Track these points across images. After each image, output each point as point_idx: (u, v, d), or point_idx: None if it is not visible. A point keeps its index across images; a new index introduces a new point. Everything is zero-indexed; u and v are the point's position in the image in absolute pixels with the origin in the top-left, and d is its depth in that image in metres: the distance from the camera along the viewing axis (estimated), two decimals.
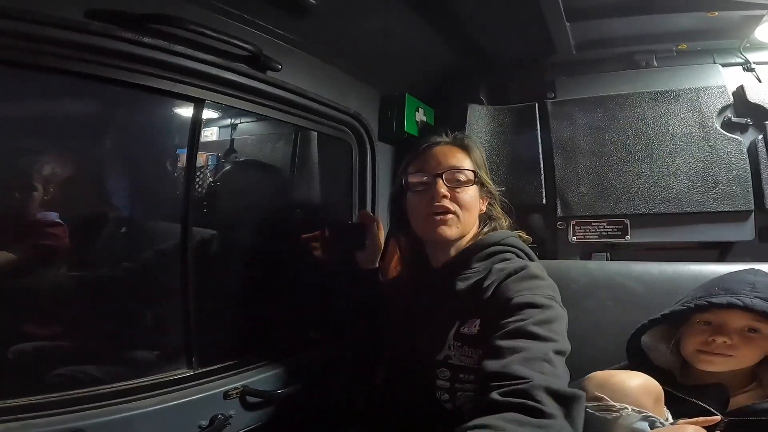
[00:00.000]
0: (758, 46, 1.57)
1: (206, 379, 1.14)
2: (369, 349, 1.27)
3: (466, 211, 1.09)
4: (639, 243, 1.59)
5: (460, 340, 1.01)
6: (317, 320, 1.46)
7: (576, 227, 1.65)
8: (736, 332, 0.91)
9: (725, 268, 1.16)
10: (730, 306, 0.90)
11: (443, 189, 1.07)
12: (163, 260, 1.17)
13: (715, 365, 0.93)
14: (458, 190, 1.09)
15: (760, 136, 1.48)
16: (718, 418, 0.84)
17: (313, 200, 1.63)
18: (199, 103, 1.14)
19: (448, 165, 1.10)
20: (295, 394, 1.28)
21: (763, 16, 1.39)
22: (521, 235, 1.18)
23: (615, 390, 0.81)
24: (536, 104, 1.73)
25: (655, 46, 1.65)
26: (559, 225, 1.67)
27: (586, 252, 1.65)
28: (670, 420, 0.83)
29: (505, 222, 1.19)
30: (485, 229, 1.15)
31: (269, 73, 1.21)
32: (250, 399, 1.19)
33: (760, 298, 0.89)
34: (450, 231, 1.08)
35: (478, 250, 1.09)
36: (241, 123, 1.46)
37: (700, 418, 0.84)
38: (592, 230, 1.63)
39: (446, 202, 1.07)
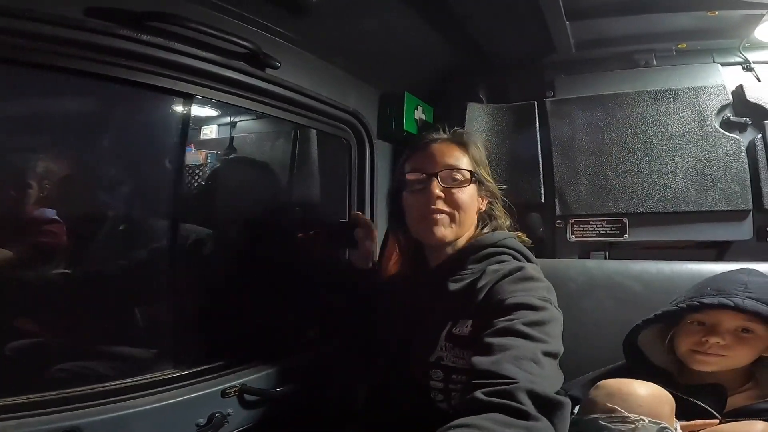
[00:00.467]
0: (758, 46, 1.57)
1: (204, 378, 1.14)
2: (365, 349, 1.26)
3: (462, 212, 1.07)
4: (637, 242, 1.59)
5: (452, 341, 0.99)
6: (314, 319, 1.45)
7: (575, 226, 1.65)
8: (728, 333, 0.91)
9: (723, 268, 1.16)
10: (721, 306, 0.90)
11: (438, 190, 1.05)
12: (159, 258, 1.17)
13: (709, 365, 0.93)
14: (454, 190, 1.06)
15: (759, 136, 1.49)
16: (717, 421, 0.84)
17: (307, 199, 1.63)
18: (198, 101, 1.14)
19: (445, 164, 1.08)
20: (293, 392, 1.28)
21: (762, 15, 1.39)
22: (520, 236, 1.16)
23: (627, 400, 0.78)
24: (535, 103, 1.73)
25: (655, 46, 1.65)
26: (558, 224, 1.67)
27: (585, 251, 1.66)
28: (679, 430, 0.82)
29: (505, 222, 1.17)
30: (484, 230, 1.13)
31: (268, 71, 1.21)
32: (248, 397, 1.19)
33: (752, 299, 0.89)
34: (444, 232, 1.06)
35: (474, 250, 1.08)
36: (238, 120, 1.46)
37: (699, 421, 0.84)
38: (590, 229, 1.64)
39: (441, 204, 1.05)
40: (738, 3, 1.35)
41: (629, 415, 0.76)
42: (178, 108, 1.14)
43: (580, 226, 1.64)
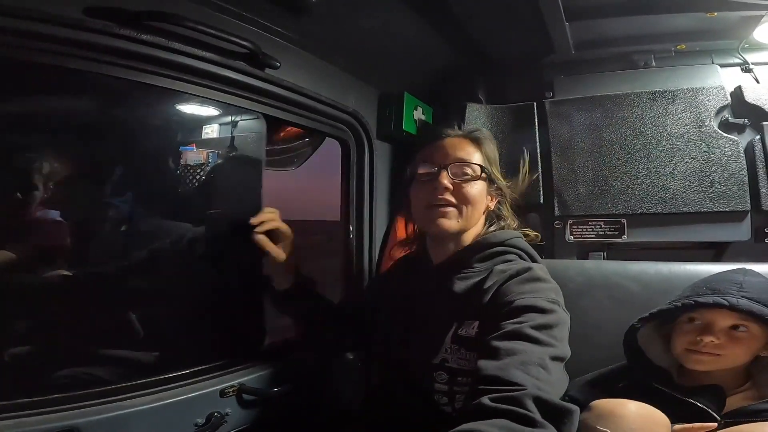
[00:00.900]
0: (757, 47, 1.56)
1: (202, 377, 1.15)
2: (364, 351, 1.26)
3: (470, 206, 1.06)
4: (636, 242, 1.59)
5: (457, 343, 0.99)
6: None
7: (573, 227, 1.65)
8: (722, 332, 0.92)
9: (721, 269, 1.16)
10: (716, 305, 0.90)
11: (446, 181, 1.05)
12: (158, 258, 1.17)
13: (704, 365, 0.93)
14: (463, 183, 1.06)
15: (758, 137, 1.49)
16: (714, 425, 0.85)
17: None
18: (197, 101, 1.14)
19: (456, 157, 1.08)
20: (292, 392, 1.28)
21: (761, 16, 1.39)
22: (528, 233, 1.17)
23: (619, 422, 0.78)
24: (534, 104, 1.73)
25: (654, 47, 1.65)
26: (557, 224, 1.67)
27: (583, 251, 1.66)
28: None
29: (513, 223, 1.17)
30: (491, 228, 1.13)
31: (268, 70, 1.21)
32: (247, 397, 1.19)
33: (747, 298, 0.90)
34: (449, 223, 1.05)
35: (480, 249, 1.08)
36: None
37: (696, 425, 0.84)
38: (589, 230, 1.64)
39: (448, 195, 1.05)
40: (737, 4, 1.35)
41: None
42: (177, 107, 1.14)
43: (579, 226, 1.64)
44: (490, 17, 1.44)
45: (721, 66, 1.60)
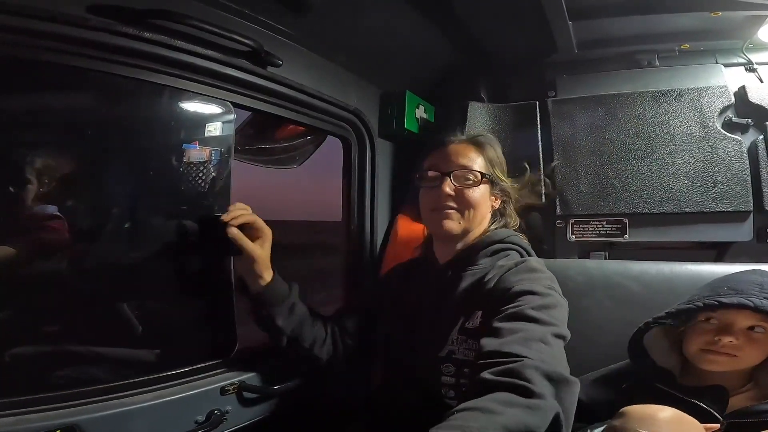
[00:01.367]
0: (761, 47, 1.56)
1: (203, 375, 1.15)
2: (364, 348, 1.27)
3: (472, 210, 1.11)
4: (637, 242, 1.59)
5: (464, 334, 1.02)
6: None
7: (575, 226, 1.65)
8: (741, 332, 0.91)
9: (723, 269, 1.16)
10: (740, 306, 0.89)
11: (448, 188, 1.10)
12: (159, 255, 1.17)
13: (720, 365, 0.92)
14: (465, 189, 1.11)
15: (761, 137, 1.48)
16: (717, 426, 0.84)
17: None
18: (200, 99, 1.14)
19: (458, 164, 1.12)
20: (292, 390, 1.28)
21: (766, 16, 1.39)
22: (522, 237, 1.20)
23: (658, 424, 0.74)
24: (537, 103, 1.72)
25: (658, 46, 1.64)
26: (558, 224, 1.66)
27: (585, 251, 1.65)
28: None
29: (514, 222, 1.22)
30: (492, 227, 1.17)
31: (270, 68, 1.21)
32: (247, 395, 1.19)
33: None
34: (453, 225, 1.10)
35: (483, 246, 1.12)
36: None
37: (706, 425, 0.84)
38: (590, 229, 1.63)
39: (451, 201, 1.10)
40: (741, 4, 1.34)
41: None
42: (179, 105, 1.14)
43: (581, 226, 1.64)
44: (493, 16, 1.43)
45: (725, 66, 1.59)
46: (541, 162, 1.67)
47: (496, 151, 1.20)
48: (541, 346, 0.81)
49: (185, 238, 1.16)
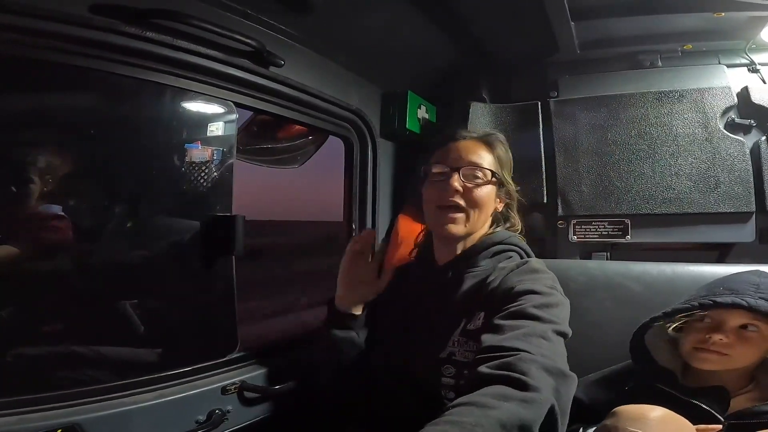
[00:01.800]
0: (764, 48, 1.56)
1: (204, 375, 1.15)
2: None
3: (477, 210, 1.09)
4: (639, 243, 1.59)
5: (466, 336, 1.01)
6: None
7: (576, 226, 1.65)
8: (732, 331, 0.91)
9: (725, 270, 1.16)
10: (735, 306, 0.89)
11: (457, 183, 1.06)
12: (160, 255, 1.17)
13: (711, 363, 0.92)
14: (473, 187, 1.08)
15: (764, 138, 1.48)
16: (719, 427, 0.84)
17: None
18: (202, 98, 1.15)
19: (468, 161, 1.09)
20: (293, 390, 1.28)
21: None
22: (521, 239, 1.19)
23: (650, 424, 0.75)
24: (539, 103, 1.72)
25: (660, 47, 1.64)
26: (560, 224, 1.66)
27: (586, 251, 1.65)
28: None
29: (518, 225, 1.20)
30: (498, 229, 1.16)
31: (272, 68, 1.21)
32: (248, 394, 1.19)
33: (765, 299, 0.89)
34: (457, 228, 1.08)
35: (484, 248, 1.11)
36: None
37: (702, 426, 0.84)
38: (592, 230, 1.63)
39: (458, 198, 1.07)
40: (744, 4, 1.34)
41: None
42: (181, 105, 1.15)
43: (582, 226, 1.64)
44: (495, 16, 1.43)
45: (728, 66, 1.59)
46: (543, 163, 1.67)
47: (506, 152, 1.17)
48: (541, 341, 0.81)
49: (187, 238, 1.16)
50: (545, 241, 1.68)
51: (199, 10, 1.02)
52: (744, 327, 0.91)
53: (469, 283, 1.07)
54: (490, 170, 1.10)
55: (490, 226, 1.16)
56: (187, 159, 1.21)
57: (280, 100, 1.31)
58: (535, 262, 1.08)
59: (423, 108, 1.76)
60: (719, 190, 1.49)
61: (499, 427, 0.64)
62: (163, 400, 1.03)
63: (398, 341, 1.12)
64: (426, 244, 1.21)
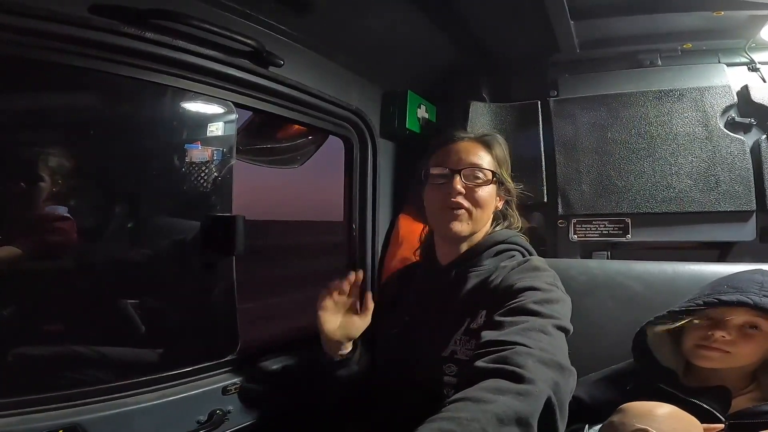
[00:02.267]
0: (764, 46, 1.56)
1: (205, 375, 1.15)
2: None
3: (480, 209, 1.10)
4: (640, 242, 1.59)
5: (468, 335, 1.02)
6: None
7: (577, 226, 1.65)
8: (735, 328, 0.91)
9: (725, 269, 1.16)
10: (740, 304, 0.89)
11: (459, 185, 1.08)
12: (161, 255, 1.17)
13: (713, 361, 0.92)
14: (475, 187, 1.09)
15: (764, 137, 1.48)
16: (721, 426, 0.84)
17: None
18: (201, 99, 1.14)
19: (468, 162, 1.11)
20: (294, 390, 1.28)
21: None
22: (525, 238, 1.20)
23: (660, 421, 0.75)
24: (539, 102, 1.72)
25: (660, 45, 1.64)
26: (560, 223, 1.66)
27: (587, 250, 1.65)
28: None
29: (517, 223, 1.21)
30: (497, 228, 1.17)
31: (271, 68, 1.21)
32: (249, 395, 1.19)
33: None
34: (461, 227, 1.09)
35: (487, 247, 1.12)
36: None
37: (704, 426, 0.83)
38: (593, 229, 1.63)
39: (461, 199, 1.08)
40: (744, 3, 1.34)
41: None
42: (181, 105, 1.15)
43: (583, 225, 1.64)
44: (495, 15, 1.43)
45: (728, 65, 1.59)
46: (543, 162, 1.67)
47: (504, 151, 1.19)
48: (540, 335, 0.81)
49: (187, 239, 1.16)
50: (546, 240, 1.68)
51: (199, 11, 1.02)
52: (747, 325, 0.91)
53: (472, 282, 1.08)
54: (490, 170, 1.11)
55: (491, 225, 1.17)
56: (187, 159, 1.21)
57: (280, 100, 1.31)
58: (537, 260, 1.09)
59: (423, 108, 1.76)
60: (719, 188, 1.49)
61: (495, 421, 0.64)
62: (164, 400, 1.03)
63: (401, 340, 1.12)
64: (428, 245, 1.22)
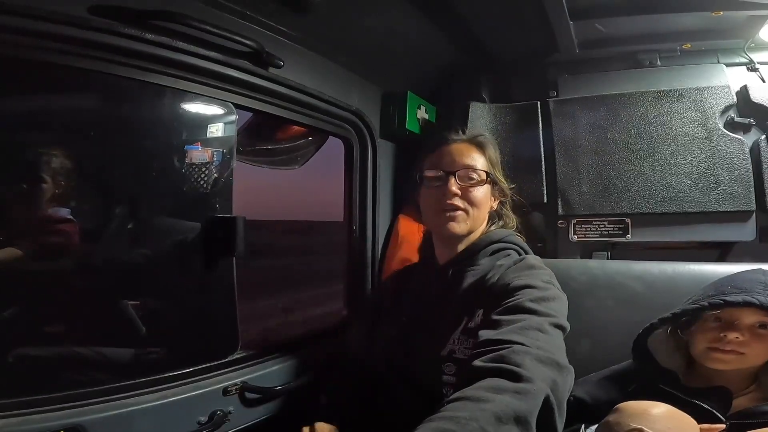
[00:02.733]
0: (763, 46, 1.56)
1: (205, 375, 1.15)
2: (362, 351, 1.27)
3: (476, 209, 1.11)
4: (640, 242, 1.59)
5: (466, 334, 1.02)
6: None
7: (577, 226, 1.65)
8: (747, 329, 0.91)
9: (725, 269, 1.16)
10: (746, 304, 0.89)
11: (455, 187, 1.09)
12: (161, 256, 1.17)
13: (727, 363, 0.91)
14: (470, 188, 1.11)
15: (763, 137, 1.49)
16: (722, 426, 0.84)
17: None
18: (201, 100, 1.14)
19: (463, 164, 1.12)
20: (294, 390, 1.28)
21: None
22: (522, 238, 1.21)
23: (654, 420, 0.76)
24: (538, 103, 1.73)
25: (659, 46, 1.64)
26: (560, 223, 1.66)
27: (587, 251, 1.65)
28: None
29: (512, 222, 1.22)
30: (492, 227, 1.18)
31: (271, 69, 1.21)
32: (250, 395, 1.19)
33: None
34: (459, 227, 1.10)
35: (483, 246, 1.13)
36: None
37: (705, 426, 0.83)
38: (593, 229, 1.63)
39: (457, 200, 1.09)
40: (743, 3, 1.34)
41: None
42: (180, 106, 1.15)
43: (583, 226, 1.64)
44: (494, 16, 1.44)
45: (727, 65, 1.59)
46: (543, 162, 1.67)
47: (495, 151, 1.20)
48: (537, 333, 0.82)
49: (188, 239, 1.16)
50: (545, 240, 1.68)
51: (198, 11, 1.02)
52: (759, 325, 0.91)
53: (468, 281, 1.09)
54: (484, 171, 1.13)
55: (487, 225, 1.19)
56: (187, 160, 1.21)
57: (280, 101, 1.31)
58: (532, 258, 1.10)
59: (423, 108, 1.77)
60: (719, 188, 1.49)
61: (494, 420, 0.64)
62: (164, 401, 1.03)
63: (400, 340, 1.13)
64: (427, 245, 1.22)
